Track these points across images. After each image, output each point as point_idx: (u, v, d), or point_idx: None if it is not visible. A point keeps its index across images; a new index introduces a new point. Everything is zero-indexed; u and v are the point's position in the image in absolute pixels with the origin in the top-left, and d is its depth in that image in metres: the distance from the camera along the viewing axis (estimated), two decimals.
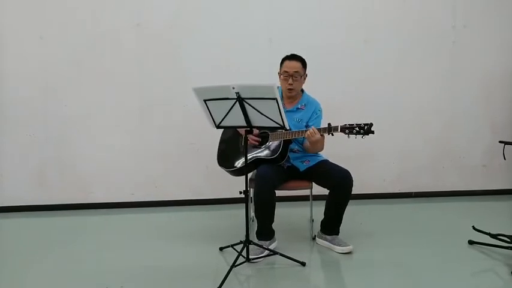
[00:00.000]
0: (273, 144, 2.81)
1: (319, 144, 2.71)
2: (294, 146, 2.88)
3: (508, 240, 2.67)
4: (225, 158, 2.96)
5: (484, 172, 4.14)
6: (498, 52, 4.04)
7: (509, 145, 2.65)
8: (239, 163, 2.85)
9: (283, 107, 2.85)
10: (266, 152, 2.81)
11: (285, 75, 2.82)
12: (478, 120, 4.09)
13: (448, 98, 4.04)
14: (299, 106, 2.90)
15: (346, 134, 2.53)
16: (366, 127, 2.49)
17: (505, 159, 2.73)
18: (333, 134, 2.58)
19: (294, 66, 2.80)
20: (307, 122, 2.87)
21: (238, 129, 2.92)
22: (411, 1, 3.91)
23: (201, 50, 3.78)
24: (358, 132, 2.50)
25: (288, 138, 2.73)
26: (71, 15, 3.69)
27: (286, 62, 2.84)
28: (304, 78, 2.88)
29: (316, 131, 2.59)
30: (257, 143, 2.83)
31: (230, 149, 2.96)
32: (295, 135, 2.70)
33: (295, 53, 2.88)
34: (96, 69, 3.74)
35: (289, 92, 2.84)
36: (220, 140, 3.07)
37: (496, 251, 2.71)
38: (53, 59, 3.70)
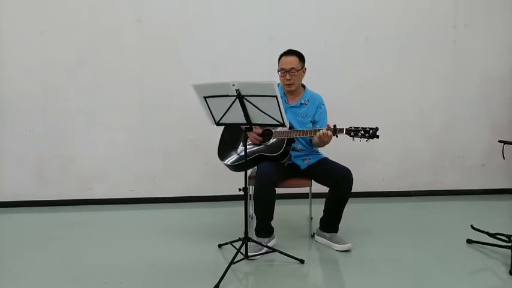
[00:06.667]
0: (276, 141, 2.80)
1: (328, 140, 2.68)
2: (296, 145, 2.88)
3: (506, 239, 2.67)
4: (226, 152, 2.94)
5: (483, 171, 4.15)
6: (499, 52, 4.04)
7: (509, 144, 2.65)
8: (240, 158, 2.83)
9: (287, 103, 2.86)
10: (268, 149, 2.80)
11: (282, 72, 2.83)
12: (477, 120, 4.09)
13: (448, 97, 4.04)
14: (302, 101, 2.90)
15: (351, 136, 2.51)
16: (371, 131, 2.46)
17: (504, 158, 2.73)
18: (337, 136, 2.57)
19: (290, 62, 2.80)
20: (313, 117, 2.87)
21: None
22: (412, 0, 3.90)
23: (201, 47, 3.77)
24: (363, 136, 2.48)
25: (293, 136, 2.71)
26: (72, 11, 3.68)
27: (283, 59, 2.85)
28: (304, 72, 2.88)
29: (328, 133, 2.55)
30: (258, 142, 2.83)
31: (232, 144, 2.95)
32: (301, 134, 2.68)
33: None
34: (96, 64, 3.74)
35: (288, 87, 2.85)
36: (222, 133, 3.03)
37: (494, 250, 2.72)
38: (53, 54, 3.70)
